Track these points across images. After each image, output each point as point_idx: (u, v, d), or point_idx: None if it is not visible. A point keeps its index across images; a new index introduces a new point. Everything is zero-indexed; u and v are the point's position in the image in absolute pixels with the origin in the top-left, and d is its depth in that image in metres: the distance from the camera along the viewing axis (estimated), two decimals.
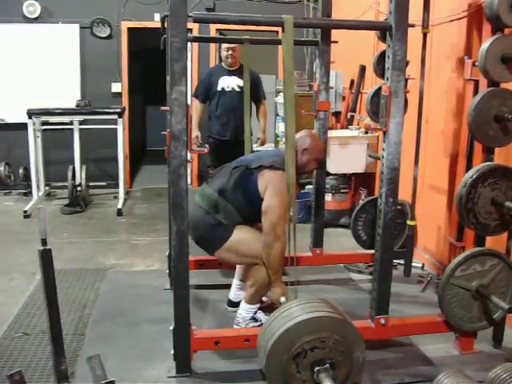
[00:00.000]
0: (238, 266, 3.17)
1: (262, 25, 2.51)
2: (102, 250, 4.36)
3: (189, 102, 2.36)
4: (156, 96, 6.84)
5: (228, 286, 3.24)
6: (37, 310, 3.14)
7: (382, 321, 2.60)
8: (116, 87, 6.52)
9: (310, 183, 4.22)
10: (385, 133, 2.44)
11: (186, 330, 2.42)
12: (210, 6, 6.47)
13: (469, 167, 3.10)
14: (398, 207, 2.76)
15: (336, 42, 3.48)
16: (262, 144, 4.78)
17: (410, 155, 3.36)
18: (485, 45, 2.45)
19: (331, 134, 4.61)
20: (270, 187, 2.63)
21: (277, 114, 6.46)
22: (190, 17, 2.20)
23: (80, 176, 5.79)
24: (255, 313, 2.89)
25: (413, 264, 3.63)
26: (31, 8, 6.15)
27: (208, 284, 3.52)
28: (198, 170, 6.75)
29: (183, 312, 2.40)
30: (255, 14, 2.47)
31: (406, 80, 2.78)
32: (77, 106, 6.00)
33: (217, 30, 6.42)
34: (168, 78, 2.63)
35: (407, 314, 3.05)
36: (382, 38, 3.12)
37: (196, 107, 4.56)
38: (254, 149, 4.49)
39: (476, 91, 3.07)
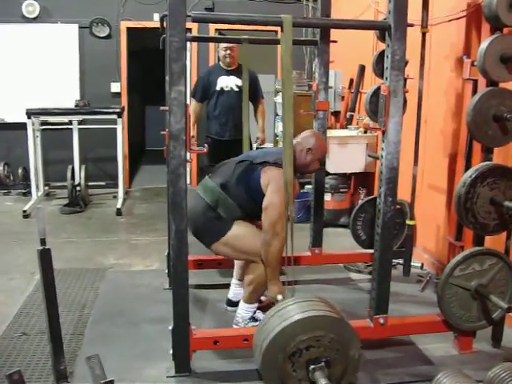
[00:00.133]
0: (236, 266, 3.18)
1: (261, 24, 2.50)
2: (101, 249, 4.36)
3: (188, 101, 2.36)
4: (155, 96, 6.83)
5: (227, 286, 3.24)
6: (36, 309, 3.14)
7: (381, 320, 2.60)
8: (115, 87, 6.52)
9: (309, 183, 4.23)
10: (384, 132, 2.44)
11: (185, 330, 2.42)
12: (209, 5, 6.47)
13: (468, 167, 3.11)
14: (397, 207, 2.76)
15: (335, 41, 3.48)
16: (262, 143, 4.78)
17: (409, 155, 3.37)
18: (484, 44, 2.45)
19: (330, 133, 4.61)
20: (272, 184, 2.63)
21: (276, 114, 6.46)
22: (189, 16, 2.21)
23: (79, 176, 5.78)
24: (254, 312, 2.89)
25: (412, 263, 3.63)
26: (30, 8, 6.15)
27: (207, 284, 3.52)
28: (197, 170, 6.75)
29: (182, 312, 2.40)
30: (254, 13, 2.47)
31: (405, 80, 2.77)
32: (76, 105, 5.99)
33: (216, 29, 6.42)
34: (167, 77, 2.63)
35: (406, 313, 3.06)
36: (381, 38, 3.13)
37: (193, 107, 4.55)
38: (254, 148, 4.49)
39: (475, 91, 3.07)
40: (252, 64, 3.72)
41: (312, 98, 3.54)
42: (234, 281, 3.19)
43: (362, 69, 5.30)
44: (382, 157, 2.49)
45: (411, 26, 2.50)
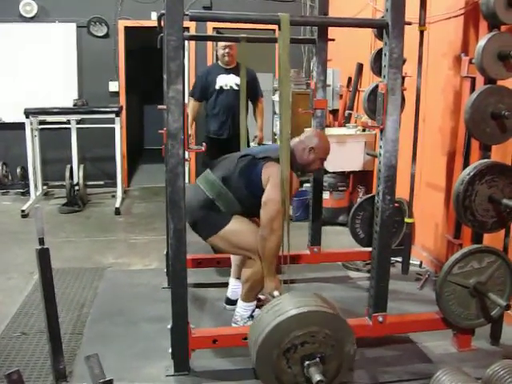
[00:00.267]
0: (233, 264, 3.18)
1: (259, 23, 2.51)
2: (99, 249, 4.36)
3: (186, 100, 2.36)
4: (153, 95, 6.83)
5: (226, 285, 3.24)
6: (35, 309, 3.14)
7: (380, 318, 2.60)
8: (113, 86, 6.51)
9: (307, 181, 4.23)
10: (382, 130, 2.44)
11: (184, 329, 2.42)
12: (207, 4, 6.46)
13: (466, 164, 3.11)
14: (396, 205, 2.76)
15: (333, 39, 3.48)
16: (260, 142, 4.78)
17: (408, 153, 3.37)
18: (481, 42, 2.45)
19: (328, 132, 4.61)
20: (272, 179, 2.63)
21: (274, 113, 6.46)
22: (187, 15, 2.21)
23: (78, 175, 5.78)
24: (253, 311, 2.89)
25: (410, 261, 3.63)
26: (28, 7, 6.14)
27: (206, 282, 3.52)
28: (195, 169, 6.74)
29: (181, 310, 2.40)
30: (252, 12, 2.47)
31: (403, 78, 2.77)
32: (74, 105, 5.99)
33: (214, 28, 6.41)
34: (165, 76, 2.63)
35: (405, 311, 3.06)
36: (379, 36, 3.12)
37: (191, 106, 4.55)
38: (252, 146, 4.49)
39: (473, 88, 3.07)
40: (250, 63, 3.72)
41: (310, 97, 3.54)
42: (231, 279, 3.19)
43: (360, 67, 5.30)
44: (380, 155, 2.49)
45: (409, 24, 2.50)
